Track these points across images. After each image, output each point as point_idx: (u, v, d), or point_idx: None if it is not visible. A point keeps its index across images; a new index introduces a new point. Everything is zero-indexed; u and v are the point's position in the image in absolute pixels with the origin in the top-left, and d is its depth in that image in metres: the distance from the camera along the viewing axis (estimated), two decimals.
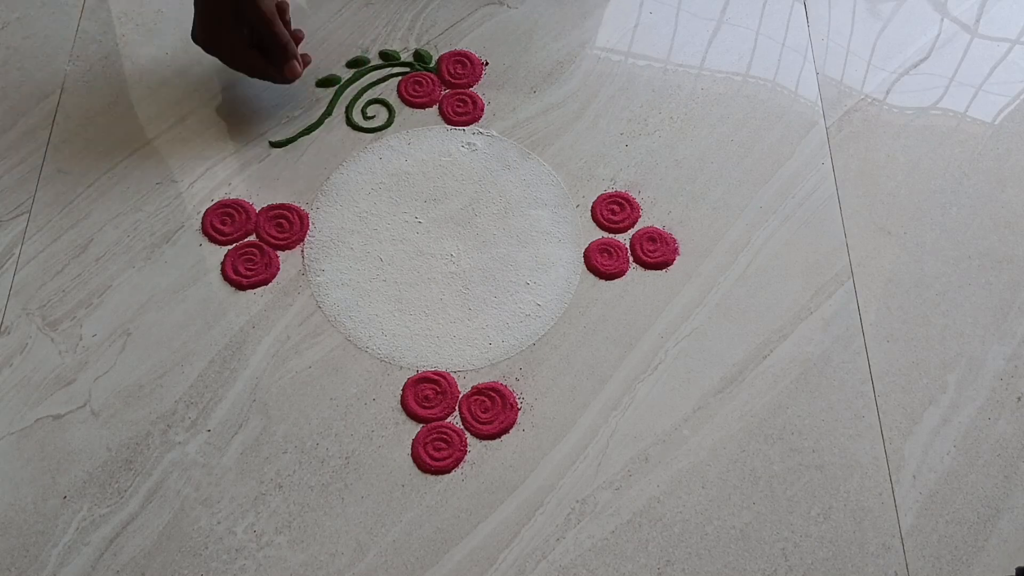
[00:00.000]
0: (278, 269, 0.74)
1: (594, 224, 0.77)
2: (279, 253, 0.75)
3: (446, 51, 0.85)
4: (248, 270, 0.73)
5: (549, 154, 0.80)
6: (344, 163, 0.79)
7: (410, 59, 0.85)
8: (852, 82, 0.86)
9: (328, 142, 0.80)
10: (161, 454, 0.66)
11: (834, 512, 0.66)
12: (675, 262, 0.76)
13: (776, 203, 0.79)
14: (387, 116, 0.82)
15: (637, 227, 0.77)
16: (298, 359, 0.70)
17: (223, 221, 0.75)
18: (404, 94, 0.83)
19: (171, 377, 0.69)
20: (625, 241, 0.77)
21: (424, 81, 0.84)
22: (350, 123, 0.82)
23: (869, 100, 0.85)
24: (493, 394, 0.69)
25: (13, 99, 0.81)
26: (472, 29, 0.87)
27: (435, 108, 0.83)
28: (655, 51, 0.87)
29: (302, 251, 0.75)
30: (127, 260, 0.74)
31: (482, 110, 0.83)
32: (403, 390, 0.69)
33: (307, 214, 0.77)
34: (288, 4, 0.78)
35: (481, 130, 0.82)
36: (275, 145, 0.80)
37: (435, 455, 0.67)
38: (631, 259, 0.76)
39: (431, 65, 0.85)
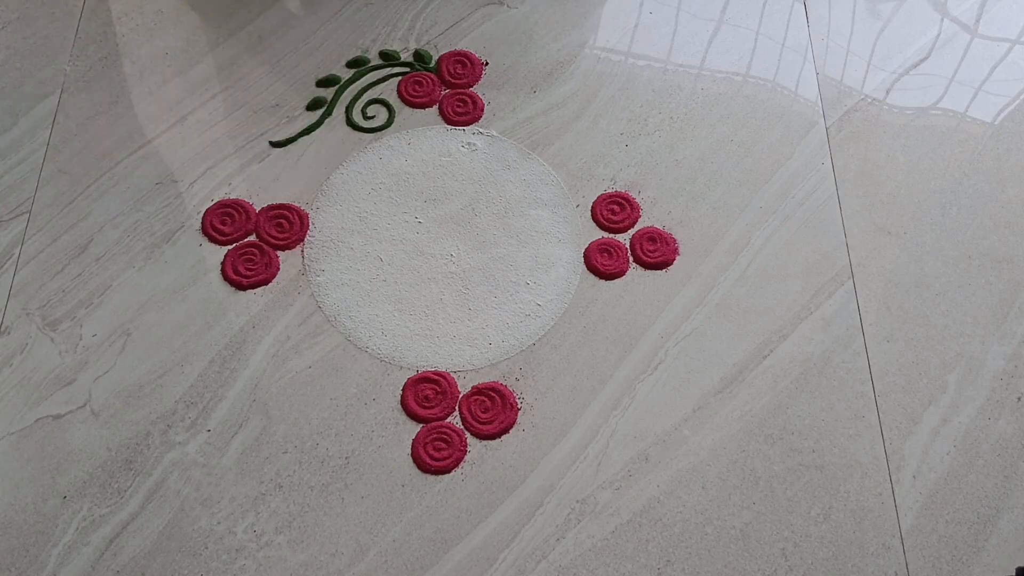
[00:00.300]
0: (278, 269, 0.74)
1: (594, 224, 0.77)
2: (279, 253, 0.75)
3: (446, 51, 0.85)
4: (248, 270, 0.73)
5: (549, 154, 0.80)
6: (344, 163, 0.79)
7: (410, 59, 0.85)
8: (852, 82, 0.86)
9: (328, 142, 0.80)
10: (161, 454, 0.66)
11: (834, 512, 0.66)
12: (675, 262, 0.76)
13: (776, 203, 0.79)
14: (387, 116, 0.82)
15: (637, 227, 0.77)
16: (298, 359, 0.70)
17: (223, 221, 0.75)
18: (404, 94, 0.83)
19: (171, 377, 0.69)
20: (625, 241, 0.76)
21: (424, 81, 0.84)
22: (350, 123, 0.81)
23: (869, 100, 0.85)
24: (493, 394, 0.69)
25: (13, 99, 0.81)
26: (472, 29, 0.87)
27: (435, 108, 0.83)
28: (655, 51, 0.87)
29: (302, 251, 0.75)
30: (127, 260, 0.74)
31: (482, 110, 0.83)
32: (403, 390, 0.69)
33: (307, 214, 0.77)
34: None
35: (481, 130, 0.82)
36: (275, 145, 0.80)
37: (435, 455, 0.67)
38: (631, 259, 0.76)
39: (431, 65, 0.85)
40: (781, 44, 0.88)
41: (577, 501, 0.66)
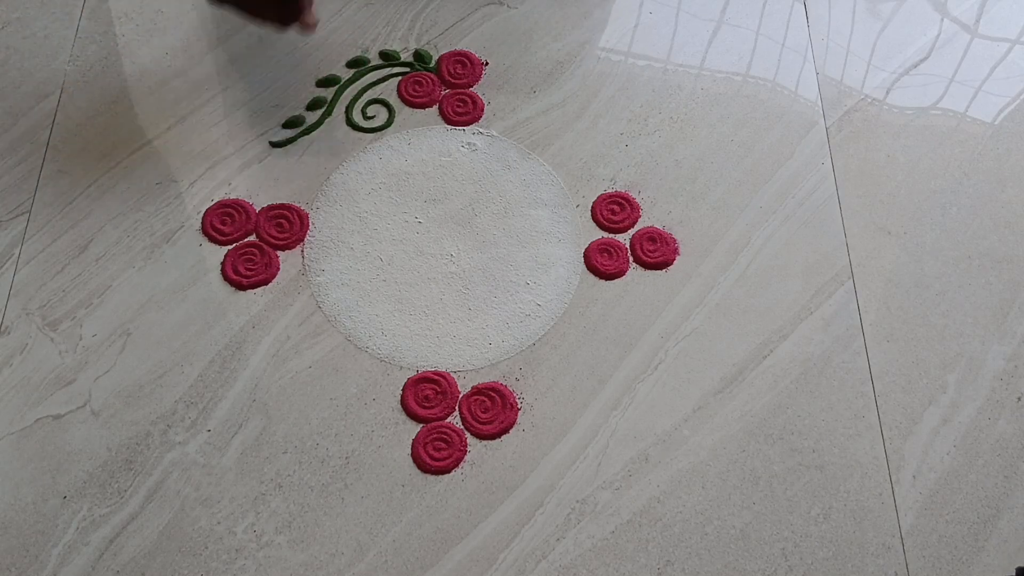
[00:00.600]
0: (278, 269, 0.74)
1: (594, 224, 0.77)
2: (279, 253, 0.75)
3: (446, 51, 0.85)
4: (248, 270, 0.73)
5: (549, 154, 0.80)
6: (344, 163, 0.79)
7: (410, 59, 0.85)
8: (852, 82, 0.86)
9: (328, 142, 0.80)
10: (161, 454, 0.66)
11: (834, 512, 0.66)
12: (675, 262, 0.76)
13: (776, 203, 0.79)
14: (387, 116, 0.82)
15: (637, 227, 0.77)
16: (298, 359, 0.70)
17: (223, 221, 0.75)
18: (404, 94, 0.83)
19: (171, 377, 0.69)
20: (625, 241, 0.77)
21: (424, 81, 0.84)
22: (350, 123, 0.81)
23: (869, 100, 0.85)
24: (493, 394, 0.69)
25: (13, 99, 0.81)
26: (472, 29, 0.87)
27: (435, 108, 0.83)
28: (655, 51, 0.87)
29: (302, 251, 0.75)
30: (127, 260, 0.74)
31: (482, 110, 0.83)
32: (403, 390, 0.69)
33: (307, 214, 0.77)
34: None
35: (481, 130, 0.82)
36: (275, 145, 0.80)
37: (435, 455, 0.67)
38: (631, 259, 0.76)
39: (431, 65, 0.85)
40: (781, 44, 0.88)
41: (577, 501, 0.66)
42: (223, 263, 0.74)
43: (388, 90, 0.84)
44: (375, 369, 0.70)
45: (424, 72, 0.84)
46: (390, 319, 0.72)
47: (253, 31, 0.85)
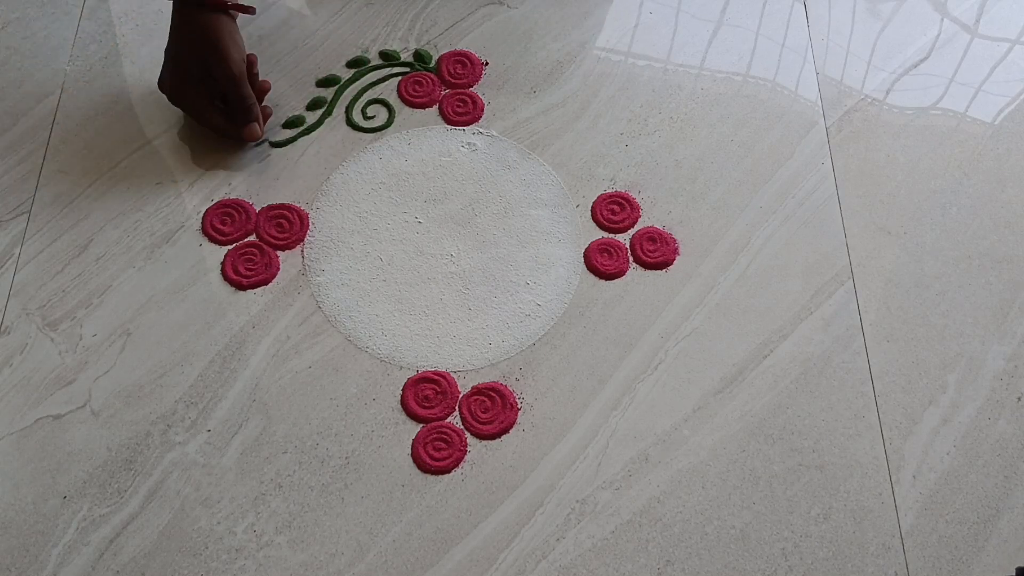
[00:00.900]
0: (278, 269, 0.74)
1: (594, 224, 0.77)
2: (279, 253, 0.75)
3: (446, 51, 0.85)
4: (248, 270, 0.73)
5: (549, 154, 0.80)
6: (344, 163, 0.79)
7: (410, 59, 0.85)
8: (852, 82, 0.86)
9: (328, 142, 0.80)
10: (161, 454, 0.66)
11: (834, 512, 0.66)
12: (675, 262, 0.76)
13: (776, 203, 0.79)
14: (387, 116, 0.82)
15: (637, 227, 0.77)
16: (298, 359, 0.70)
17: (223, 221, 0.75)
18: (404, 94, 0.83)
19: (171, 377, 0.69)
20: (625, 241, 0.77)
21: (424, 81, 0.84)
22: (350, 123, 0.82)
23: (869, 100, 0.85)
24: (493, 394, 0.69)
25: (13, 99, 0.81)
26: (472, 29, 0.87)
27: (435, 108, 0.83)
28: (655, 51, 0.87)
29: (302, 251, 0.75)
30: (127, 260, 0.74)
31: (482, 110, 0.83)
32: (403, 390, 0.69)
33: (307, 214, 0.77)
34: (256, 58, 0.78)
35: (481, 130, 0.82)
36: (275, 145, 0.80)
37: (435, 455, 0.67)
38: (631, 259, 0.76)
39: (431, 65, 0.85)
40: (781, 44, 0.88)
41: (577, 501, 0.66)
42: (223, 263, 0.74)
43: (388, 90, 0.84)
44: (375, 369, 0.70)
45: (424, 72, 0.84)
46: (390, 319, 0.72)
47: (253, 31, 0.85)
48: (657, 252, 0.76)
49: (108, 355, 0.69)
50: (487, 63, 0.85)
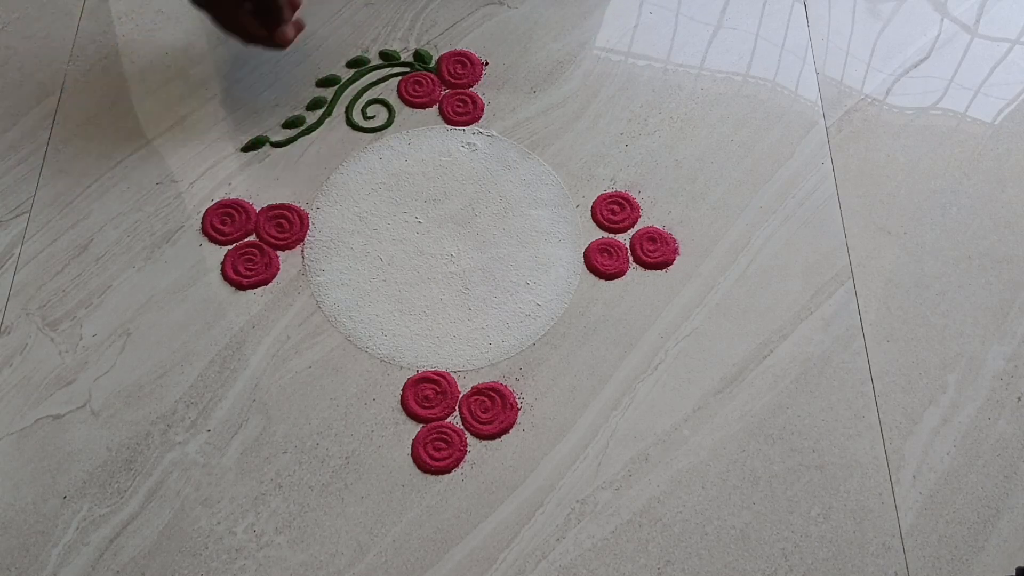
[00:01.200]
0: (278, 269, 0.74)
1: (594, 224, 0.77)
2: (279, 253, 0.75)
3: (446, 51, 0.85)
4: (248, 270, 0.73)
5: (549, 154, 0.80)
6: (344, 163, 0.79)
7: (410, 59, 0.85)
8: (852, 82, 0.86)
9: (328, 142, 0.80)
10: (161, 454, 0.66)
11: (834, 512, 0.66)
12: (675, 262, 0.76)
13: (776, 203, 0.79)
14: (387, 116, 0.82)
15: (637, 227, 0.77)
16: (298, 359, 0.70)
17: (223, 221, 0.75)
18: (404, 94, 0.83)
19: (171, 377, 0.69)
20: (625, 241, 0.77)
21: (424, 81, 0.84)
22: (350, 123, 0.81)
23: (869, 100, 0.85)
24: (493, 394, 0.69)
25: (13, 99, 0.81)
26: (472, 29, 0.87)
27: (435, 108, 0.83)
28: (655, 51, 0.87)
29: (302, 251, 0.75)
30: (127, 260, 0.74)
31: (482, 110, 0.83)
32: (403, 390, 0.69)
33: (307, 214, 0.77)
34: None
35: (481, 130, 0.82)
36: (275, 145, 0.80)
37: (435, 455, 0.67)
38: (631, 259, 0.76)
39: (431, 65, 0.85)
40: (781, 44, 0.88)
41: (577, 501, 0.66)
42: (223, 263, 0.74)
43: (388, 90, 0.84)
44: (375, 369, 0.70)
45: (424, 72, 0.84)
46: (390, 319, 0.72)
47: None
48: (657, 252, 0.76)
49: (108, 355, 0.69)
50: (487, 63, 0.85)
